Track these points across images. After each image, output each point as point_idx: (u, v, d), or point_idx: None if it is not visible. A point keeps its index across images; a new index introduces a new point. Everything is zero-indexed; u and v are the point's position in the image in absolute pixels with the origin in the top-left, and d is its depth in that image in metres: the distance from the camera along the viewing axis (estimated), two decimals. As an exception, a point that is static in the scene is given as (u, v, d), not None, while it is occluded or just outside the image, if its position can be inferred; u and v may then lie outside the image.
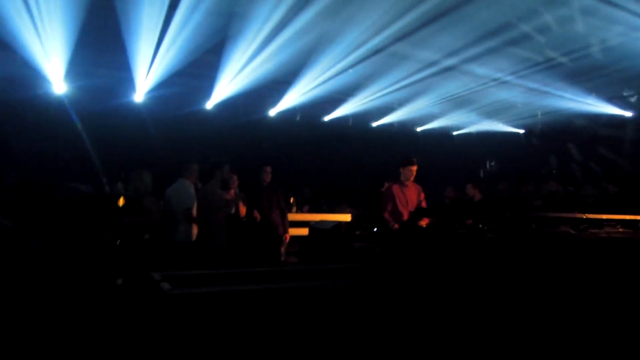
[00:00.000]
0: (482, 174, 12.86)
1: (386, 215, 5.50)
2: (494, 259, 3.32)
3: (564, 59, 7.83)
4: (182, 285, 2.86)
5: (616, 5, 6.08)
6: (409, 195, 5.61)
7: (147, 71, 8.33)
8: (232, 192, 6.43)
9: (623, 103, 9.87)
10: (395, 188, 5.61)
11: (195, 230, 5.17)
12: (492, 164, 12.74)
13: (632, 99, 9.69)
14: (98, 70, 8.37)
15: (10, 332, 3.08)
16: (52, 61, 7.63)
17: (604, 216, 3.99)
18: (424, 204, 5.63)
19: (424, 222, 5.02)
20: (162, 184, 5.65)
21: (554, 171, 10.23)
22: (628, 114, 10.07)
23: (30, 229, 3.66)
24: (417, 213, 4.88)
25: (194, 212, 5.20)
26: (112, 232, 4.67)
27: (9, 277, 3.36)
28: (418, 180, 5.81)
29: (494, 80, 8.92)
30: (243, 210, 5.93)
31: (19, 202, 4.40)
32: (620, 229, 3.90)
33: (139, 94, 8.96)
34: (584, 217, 3.86)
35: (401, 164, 5.65)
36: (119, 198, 5.48)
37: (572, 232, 3.69)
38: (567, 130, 11.00)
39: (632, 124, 10.00)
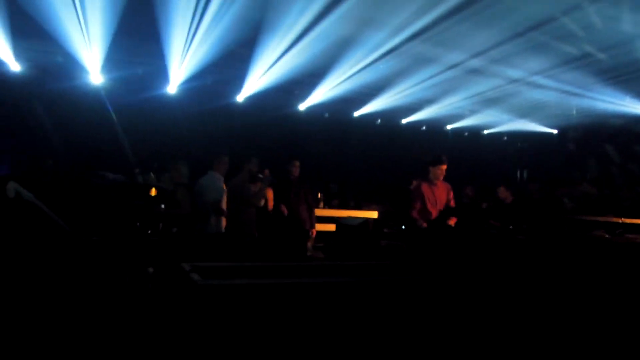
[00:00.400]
0: (518, 175, 12.60)
1: (414, 214, 5.45)
2: (522, 260, 3.28)
3: (600, 58, 7.62)
4: (211, 276, 2.92)
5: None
6: (438, 194, 5.54)
7: (181, 63, 8.45)
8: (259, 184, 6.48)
9: None
10: (424, 186, 5.55)
11: (224, 222, 5.23)
12: (524, 167, 12.48)
13: None
14: (134, 62, 8.54)
15: (39, 313, 3.19)
16: (90, 52, 7.82)
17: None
18: (452, 203, 5.56)
19: (452, 222, 4.97)
20: (192, 176, 5.73)
21: (587, 174, 9.97)
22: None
23: (64, 214, 3.77)
24: (446, 212, 4.84)
25: (224, 204, 5.25)
26: (143, 221, 4.77)
27: (43, 259, 3.48)
28: (447, 179, 5.73)
29: (528, 79, 8.73)
30: (271, 197, 5.97)
31: (54, 188, 4.54)
32: (658, 235, 3.79)
33: (172, 86, 9.11)
34: (620, 221, 3.77)
35: (431, 163, 5.58)
36: (150, 188, 5.60)
37: (606, 236, 3.61)
38: (603, 131, 10.69)
39: None
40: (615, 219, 3.81)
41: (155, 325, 3.10)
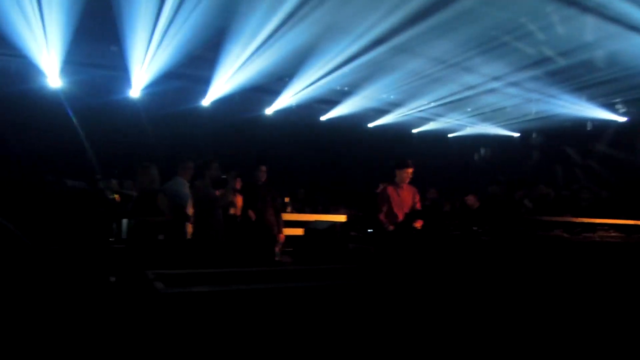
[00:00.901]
0: (475, 158, 12.85)
1: (381, 216, 5.49)
2: (487, 261, 3.34)
3: (558, 63, 7.89)
4: (176, 284, 2.85)
5: (608, 13, 6.14)
6: (404, 197, 5.60)
7: (143, 67, 8.29)
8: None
9: (616, 110, 9.97)
10: (390, 189, 5.60)
11: (189, 229, 5.14)
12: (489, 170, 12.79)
13: (621, 108, 9.79)
14: (94, 65, 8.34)
15: (4, 327, 3.06)
16: (48, 55, 7.59)
17: (597, 220, 4.03)
18: (418, 206, 5.63)
19: (418, 224, 5.03)
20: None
21: (549, 176, 10.27)
22: (622, 119, 10.15)
23: (21, 224, 3.63)
24: (412, 215, 4.89)
25: (190, 210, 5.17)
26: (104, 228, 4.64)
27: (3, 273, 3.34)
28: (412, 182, 5.81)
29: (489, 83, 8.96)
30: (239, 204, 5.92)
31: (11, 198, 4.36)
32: (613, 233, 3.94)
33: (135, 90, 8.92)
34: (578, 220, 3.90)
35: (397, 166, 5.64)
36: (113, 195, 5.45)
37: (565, 235, 3.72)
38: (562, 134, 11.06)
39: (624, 129, 10.10)
40: (573, 219, 3.92)
41: (116, 336, 3.01)
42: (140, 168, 4.56)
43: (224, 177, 4.90)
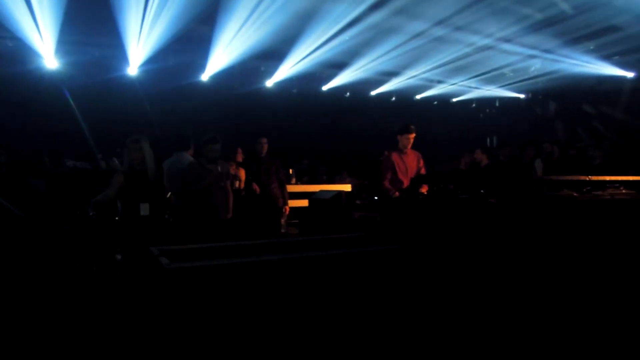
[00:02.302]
0: (488, 141, 12.75)
1: (386, 183, 5.45)
2: (495, 223, 3.29)
3: (561, 19, 7.66)
4: (181, 259, 2.83)
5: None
6: (409, 163, 5.55)
7: (140, 44, 8.15)
8: (233, 165, 6.35)
9: (623, 63, 9.71)
10: (394, 156, 5.55)
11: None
12: (494, 133, 12.63)
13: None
14: (89, 44, 8.21)
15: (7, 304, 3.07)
16: (41, 36, 7.47)
17: (607, 178, 3.95)
18: (423, 171, 5.58)
19: (424, 189, 4.97)
20: (158, 158, 5.55)
21: (558, 135, 10.12)
22: (629, 74, 9.92)
23: (22, 205, 3.61)
24: (417, 180, 4.83)
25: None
26: (109, 208, 4.61)
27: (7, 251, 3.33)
28: (417, 147, 5.75)
29: (492, 45, 8.75)
30: (242, 177, 5.88)
31: (10, 179, 4.33)
32: (623, 190, 3.86)
33: (133, 67, 8.80)
34: (587, 179, 3.82)
35: (399, 132, 5.59)
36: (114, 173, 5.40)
37: (575, 194, 3.65)
38: (568, 92, 10.85)
39: (632, 84, 9.88)
40: (582, 177, 3.84)
41: (124, 312, 3.01)
42: (131, 142, 4.17)
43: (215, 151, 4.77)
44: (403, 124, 5.62)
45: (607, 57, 9.45)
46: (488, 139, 12.99)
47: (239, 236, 4.79)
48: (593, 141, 7.75)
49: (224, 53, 8.82)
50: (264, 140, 5.98)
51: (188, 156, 5.40)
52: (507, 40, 8.60)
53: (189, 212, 4.84)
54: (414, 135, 5.55)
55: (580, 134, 9.54)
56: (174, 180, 5.02)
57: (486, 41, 8.67)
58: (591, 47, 8.96)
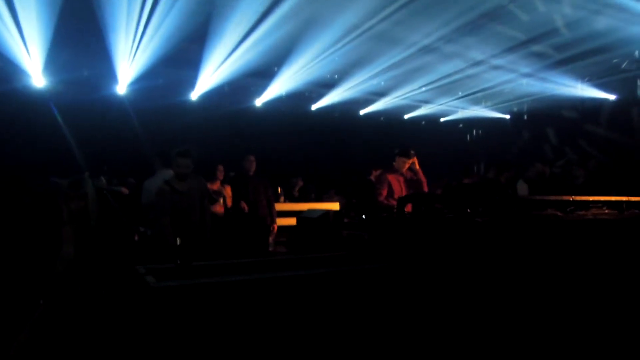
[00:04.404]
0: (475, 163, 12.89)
1: (381, 199, 5.46)
2: (481, 242, 3.32)
3: (548, 43, 7.85)
4: (167, 278, 2.81)
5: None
6: (402, 184, 5.60)
7: (129, 62, 8.19)
8: (217, 183, 6.32)
9: (606, 86, 9.94)
10: (389, 175, 5.59)
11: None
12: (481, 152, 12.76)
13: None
14: (78, 63, 8.22)
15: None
16: (31, 54, 7.47)
17: (590, 198, 4.02)
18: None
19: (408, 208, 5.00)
20: (145, 177, 5.53)
21: (545, 155, 10.24)
22: (611, 97, 10.15)
23: (7, 223, 3.57)
24: (404, 200, 4.85)
25: None
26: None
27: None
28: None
29: (479, 65, 8.91)
30: (229, 194, 5.86)
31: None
32: (607, 210, 3.93)
33: (122, 86, 8.82)
34: (571, 199, 3.88)
35: (399, 154, 5.62)
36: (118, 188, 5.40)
37: (559, 214, 3.70)
38: (553, 114, 11.05)
39: (615, 105, 10.10)
40: (566, 197, 3.90)
41: (109, 330, 2.98)
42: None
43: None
44: (405, 147, 5.68)
45: (590, 79, 9.69)
46: (475, 160, 13.13)
47: (226, 254, 4.77)
48: (577, 157, 7.87)
49: (214, 72, 8.88)
50: (252, 157, 6.00)
51: (170, 173, 5.34)
52: (493, 61, 8.78)
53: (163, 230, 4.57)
54: (412, 161, 5.62)
55: (567, 153, 9.69)
56: (147, 200, 4.90)
57: (472, 62, 8.84)
58: (574, 69, 9.17)
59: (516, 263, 3.25)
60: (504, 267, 3.21)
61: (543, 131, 11.04)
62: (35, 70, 7.88)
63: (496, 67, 9.02)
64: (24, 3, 6.42)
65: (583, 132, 10.19)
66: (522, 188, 7.06)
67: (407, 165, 5.61)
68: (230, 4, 6.86)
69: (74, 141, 8.13)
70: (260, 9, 6.90)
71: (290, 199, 8.49)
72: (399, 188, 5.53)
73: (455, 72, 9.32)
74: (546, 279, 3.26)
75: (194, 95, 9.73)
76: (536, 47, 8.04)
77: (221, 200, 5.92)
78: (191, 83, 9.36)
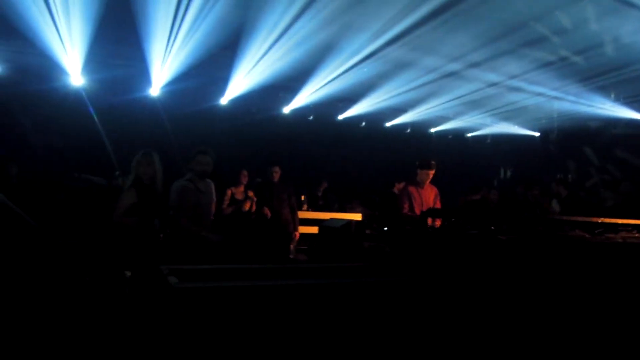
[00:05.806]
0: (501, 175, 12.72)
1: (404, 212, 5.44)
2: (504, 260, 3.28)
3: (579, 60, 7.73)
4: (190, 279, 2.86)
5: (633, 5, 5.96)
6: (425, 196, 5.55)
7: (163, 65, 8.38)
8: (242, 187, 6.39)
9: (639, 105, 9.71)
10: (412, 188, 5.57)
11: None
12: (508, 170, 12.60)
13: None
14: (115, 64, 8.43)
15: (11, 318, 3.10)
16: (70, 53, 7.71)
17: (620, 221, 3.92)
18: (438, 206, 5.57)
19: (437, 223, 4.98)
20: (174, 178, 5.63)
21: (569, 175, 10.06)
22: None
23: (41, 218, 3.68)
24: (427, 213, 4.84)
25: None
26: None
27: (11, 260, 3.39)
28: (432, 181, 5.75)
29: (509, 82, 8.83)
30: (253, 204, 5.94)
31: (29, 193, 4.42)
32: (637, 234, 3.83)
33: (155, 88, 9.02)
34: (599, 221, 3.80)
35: (419, 166, 5.59)
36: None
37: (587, 235, 3.63)
38: (584, 133, 10.84)
39: None
40: (594, 219, 3.83)
41: (131, 330, 3.03)
42: (142, 157, 4.08)
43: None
44: (425, 159, 5.64)
45: (625, 100, 9.48)
46: (502, 173, 12.96)
47: (248, 259, 4.82)
48: (605, 179, 7.69)
49: (244, 78, 9.01)
50: (276, 169, 6.06)
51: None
52: (524, 78, 8.69)
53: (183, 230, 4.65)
54: (433, 172, 5.57)
55: (593, 174, 9.47)
56: (172, 199, 4.98)
57: (502, 78, 8.76)
58: (608, 90, 8.99)
59: (538, 283, 3.20)
60: (525, 286, 3.16)
61: (572, 151, 10.83)
62: (74, 69, 8.11)
63: (529, 83, 8.92)
64: (67, 1, 6.62)
65: (614, 154, 9.95)
66: (556, 207, 6.97)
67: (430, 177, 5.56)
68: (262, 13, 6.96)
69: (107, 140, 8.33)
70: (292, 17, 6.98)
71: (314, 206, 8.52)
72: (420, 201, 5.50)
73: (484, 88, 9.24)
74: (568, 300, 3.20)
75: (224, 100, 9.88)
76: (571, 66, 7.93)
77: (247, 204, 5.99)
78: (221, 88, 9.51)
